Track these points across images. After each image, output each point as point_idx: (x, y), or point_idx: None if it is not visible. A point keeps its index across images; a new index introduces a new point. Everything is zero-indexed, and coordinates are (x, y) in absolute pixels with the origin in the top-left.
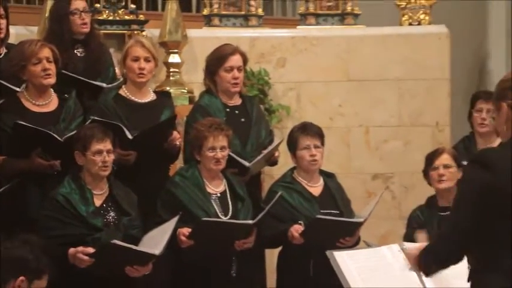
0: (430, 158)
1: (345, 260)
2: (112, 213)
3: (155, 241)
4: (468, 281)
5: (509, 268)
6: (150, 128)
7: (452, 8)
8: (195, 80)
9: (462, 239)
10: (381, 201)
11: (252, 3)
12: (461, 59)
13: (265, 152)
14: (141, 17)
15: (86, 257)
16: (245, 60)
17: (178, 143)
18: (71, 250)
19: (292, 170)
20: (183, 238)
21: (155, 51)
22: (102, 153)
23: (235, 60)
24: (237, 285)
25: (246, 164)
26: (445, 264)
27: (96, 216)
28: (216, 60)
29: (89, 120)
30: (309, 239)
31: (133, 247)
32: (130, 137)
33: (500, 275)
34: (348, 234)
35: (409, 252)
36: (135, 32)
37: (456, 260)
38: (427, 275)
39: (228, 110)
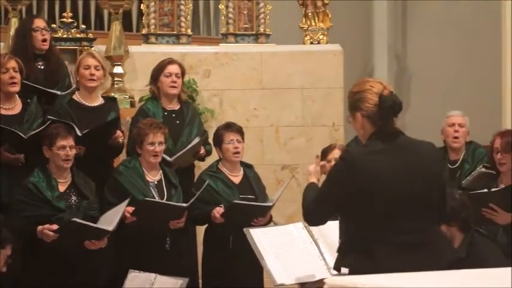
0: (325, 153)
1: (258, 235)
2: (74, 198)
3: (110, 220)
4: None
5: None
6: (96, 127)
7: (345, 31)
8: (135, 87)
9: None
10: (288, 188)
11: (183, 24)
12: (352, 71)
13: (185, 149)
14: (90, 35)
15: (51, 233)
16: (183, 71)
17: (121, 140)
18: (39, 227)
19: (217, 161)
20: (127, 215)
21: (104, 62)
22: (66, 148)
23: (172, 68)
24: (171, 257)
25: (168, 158)
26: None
27: (60, 200)
28: (158, 69)
29: (48, 121)
30: (228, 219)
31: (91, 224)
32: (79, 134)
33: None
34: (261, 215)
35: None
36: (85, 47)
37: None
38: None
39: (165, 113)
